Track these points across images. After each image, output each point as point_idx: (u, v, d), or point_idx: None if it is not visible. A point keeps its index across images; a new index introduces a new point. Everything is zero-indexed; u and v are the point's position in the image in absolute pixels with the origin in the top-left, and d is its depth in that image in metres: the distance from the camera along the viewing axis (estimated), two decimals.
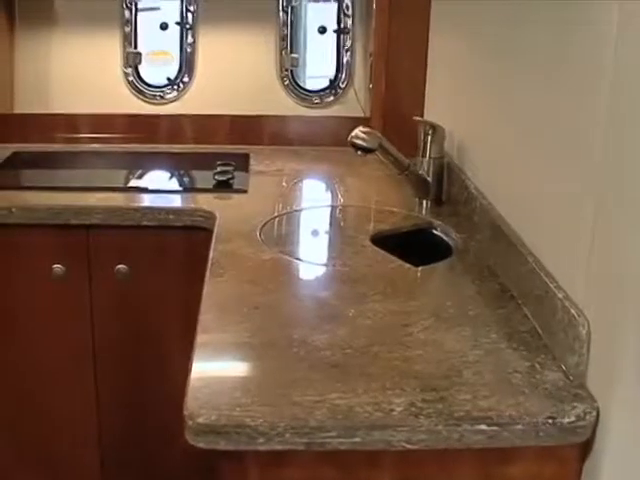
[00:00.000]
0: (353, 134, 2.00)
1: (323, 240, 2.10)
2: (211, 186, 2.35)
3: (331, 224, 2.23)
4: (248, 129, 2.82)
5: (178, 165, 2.68)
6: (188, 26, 2.81)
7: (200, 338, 1.40)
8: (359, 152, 2.00)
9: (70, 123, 2.80)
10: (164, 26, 2.84)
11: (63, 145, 2.77)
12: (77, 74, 2.81)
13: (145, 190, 2.40)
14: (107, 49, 2.81)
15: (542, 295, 1.44)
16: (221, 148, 2.76)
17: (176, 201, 2.31)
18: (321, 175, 2.62)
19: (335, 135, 2.73)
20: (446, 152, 2.20)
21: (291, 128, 2.84)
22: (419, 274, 1.76)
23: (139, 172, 2.64)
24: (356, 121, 2.71)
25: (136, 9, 2.80)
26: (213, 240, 1.89)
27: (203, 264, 1.77)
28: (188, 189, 2.46)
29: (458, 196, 2.10)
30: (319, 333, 1.43)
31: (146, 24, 2.83)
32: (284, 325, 1.48)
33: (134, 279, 2.21)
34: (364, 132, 2.00)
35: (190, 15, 2.80)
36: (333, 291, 1.67)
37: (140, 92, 2.85)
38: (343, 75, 2.87)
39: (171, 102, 2.86)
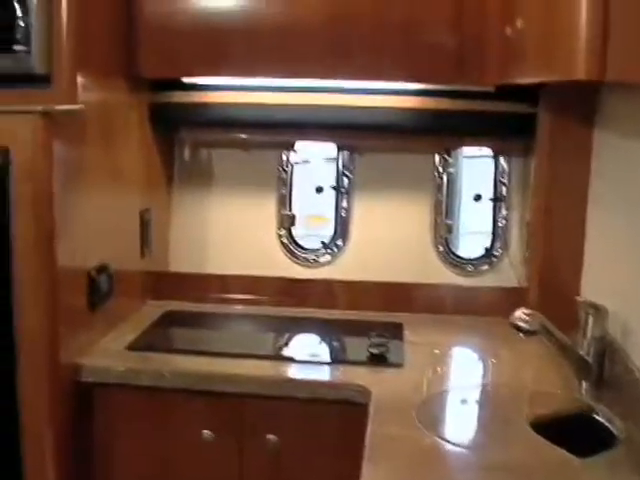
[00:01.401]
0: (515, 315, 1.95)
1: (480, 423, 1.99)
2: (365, 358, 2.29)
3: (488, 405, 2.11)
4: (401, 296, 2.76)
5: (329, 332, 2.63)
6: (343, 190, 2.82)
7: None
8: (521, 334, 1.94)
9: (223, 284, 2.81)
10: (320, 189, 2.86)
11: (215, 305, 2.77)
12: (232, 234, 2.84)
13: (297, 360, 2.35)
14: (263, 211, 2.83)
15: None
16: (374, 315, 2.69)
17: (328, 373, 2.26)
18: (476, 348, 2.52)
19: (489, 305, 2.66)
20: (608, 332, 2.09)
21: (445, 296, 2.77)
22: (583, 466, 1.63)
23: (289, 337, 2.61)
24: (511, 292, 2.65)
25: (292, 172, 2.83)
26: (369, 421, 1.82)
27: (356, 440, 1.71)
28: (340, 361, 2.40)
29: (621, 379, 1.96)
30: None
31: (302, 187, 2.86)
32: None
33: (284, 450, 2.15)
34: (526, 314, 1.95)
35: (346, 180, 2.81)
36: None
37: (293, 255, 2.85)
38: (498, 244, 2.80)
39: (324, 266, 2.84)
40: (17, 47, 2.01)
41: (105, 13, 2.29)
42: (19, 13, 2.00)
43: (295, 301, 2.78)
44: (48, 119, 1.96)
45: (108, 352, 2.28)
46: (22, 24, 2.01)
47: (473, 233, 2.98)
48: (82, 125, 2.15)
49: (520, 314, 1.94)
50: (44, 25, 2.02)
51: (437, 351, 2.40)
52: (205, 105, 2.58)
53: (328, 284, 2.81)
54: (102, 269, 2.28)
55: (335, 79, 2.45)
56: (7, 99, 1.99)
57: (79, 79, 2.09)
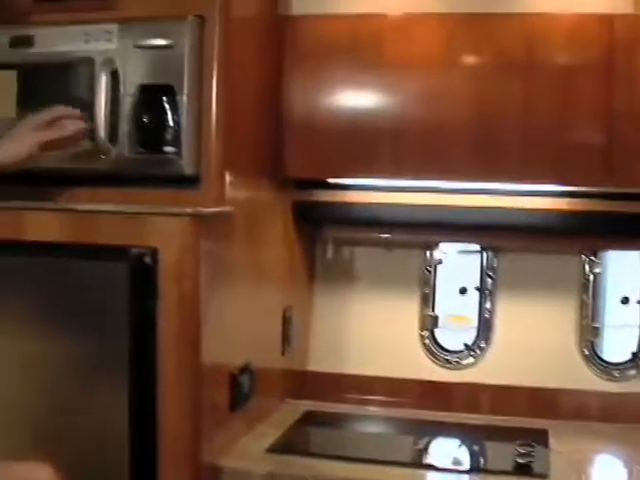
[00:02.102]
0: None
1: None
2: (509, 467, 2.20)
3: None
4: (546, 401, 2.66)
5: (471, 437, 2.54)
6: (487, 291, 2.77)
7: None
8: None
9: (362, 385, 2.77)
10: (463, 290, 2.81)
11: (354, 406, 2.73)
12: (372, 334, 2.81)
13: (438, 468, 2.29)
14: (404, 310, 2.80)
15: None
16: (517, 421, 2.60)
17: None
18: (625, 459, 2.39)
19: (638, 412, 2.55)
20: None
21: (591, 403, 2.65)
22: None
23: (430, 442, 2.54)
24: None
25: (435, 271, 2.80)
26: None
27: None
28: (483, 469, 2.32)
29: None
30: None
31: (445, 287, 2.82)
32: None
33: None
34: None
35: (489, 280, 2.76)
36: None
37: (435, 356, 2.79)
38: None
39: (466, 368, 2.78)
40: (167, 148, 2.08)
41: (253, 113, 2.34)
42: (169, 115, 2.07)
43: (436, 404, 2.72)
44: (197, 220, 2.00)
45: (248, 454, 2.26)
46: (172, 125, 2.07)
47: (620, 336, 2.87)
48: (229, 224, 2.18)
49: None
50: (193, 127, 2.08)
51: (583, 461, 2.29)
52: (349, 204, 2.59)
53: (470, 387, 2.74)
54: (245, 367, 2.28)
55: (481, 182, 2.44)
56: (156, 200, 2.05)
57: (227, 180, 2.13)
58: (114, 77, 2.09)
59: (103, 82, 2.07)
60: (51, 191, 2.16)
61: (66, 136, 2.04)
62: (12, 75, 2.23)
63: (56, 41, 2.18)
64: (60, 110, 2.06)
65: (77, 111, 2.07)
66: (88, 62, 2.13)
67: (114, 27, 2.12)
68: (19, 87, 2.22)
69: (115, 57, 2.10)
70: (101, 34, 2.13)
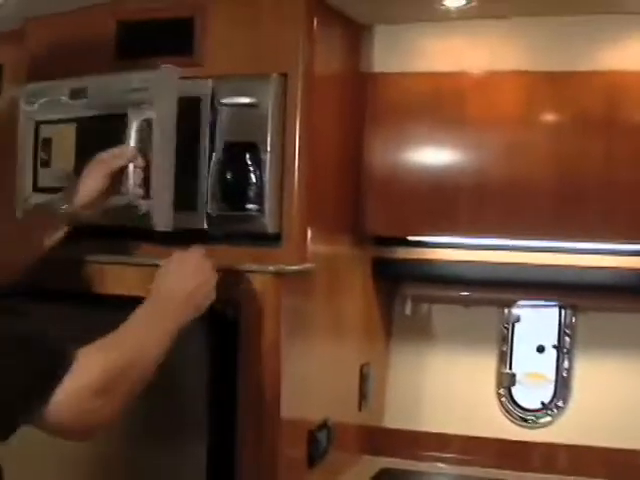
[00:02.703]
0: None
1: None
2: None
3: None
4: (626, 464, 2.60)
5: None
6: (565, 350, 2.73)
7: None
8: None
9: (438, 442, 2.74)
10: (541, 349, 2.77)
11: (430, 464, 2.71)
12: (449, 391, 2.78)
13: None
14: (481, 368, 2.77)
15: None
16: None
17: None
18: None
19: None
20: None
21: None
22: None
23: None
24: None
25: (513, 329, 2.77)
26: None
27: None
28: None
29: None
30: None
31: (523, 345, 2.79)
32: None
33: None
34: None
35: (567, 339, 2.72)
36: None
37: (512, 414, 2.75)
38: None
39: (543, 427, 2.73)
40: (250, 206, 2.10)
41: (334, 170, 2.36)
42: (252, 172, 2.10)
43: (512, 463, 2.67)
44: (278, 277, 2.01)
45: None
46: (255, 182, 2.10)
47: None
48: (310, 280, 2.19)
49: None
50: (276, 184, 2.10)
51: None
52: (428, 261, 2.58)
53: (548, 447, 2.68)
54: (323, 424, 2.28)
55: (561, 240, 2.41)
56: (238, 256, 2.07)
57: (309, 236, 2.15)
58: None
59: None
60: (135, 246, 2.19)
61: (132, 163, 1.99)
62: (72, 128, 2.26)
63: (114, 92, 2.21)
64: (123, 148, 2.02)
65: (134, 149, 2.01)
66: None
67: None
68: (78, 139, 2.26)
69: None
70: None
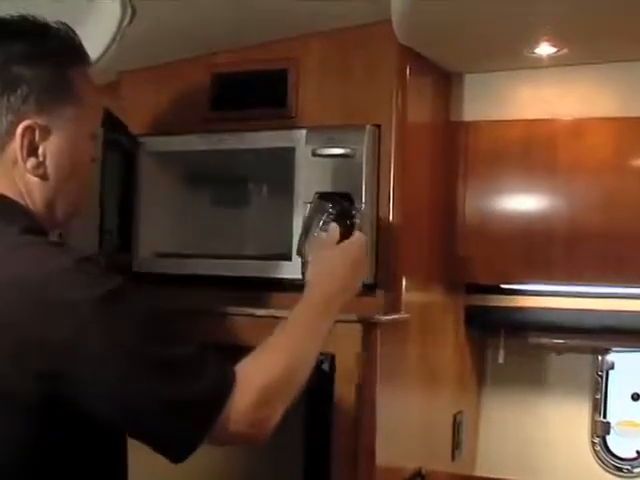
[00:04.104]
0: None
1: None
2: None
3: None
4: None
5: None
6: None
7: None
8: None
9: None
10: (635, 397, 2.73)
11: None
12: (542, 439, 2.75)
13: None
14: (575, 416, 2.74)
15: None
16: None
17: None
18: None
19: None
20: None
21: None
22: None
23: None
24: None
25: (607, 377, 2.73)
26: None
27: None
28: None
29: None
30: None
31: (617, 392, 2.74)
32: None
33: None
34: None
35: None
36: None
37: (606, 463, 2.70)
38: None
39: (639, 477, 2.68)
40: None
41: (427, 218, 2.38)
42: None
43: None
44: (374, 326, 2.02)
45: None
46: None
47: None
48: (404, 329, 2.20)
49: None
50: (370, 234, 2.10)
51: None
52: (520, 309, 2.55)
53: None
54: (416, 473, 2.27)
55: None
56: None
57: (403, 285, 2.16)
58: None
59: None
60: (237, 295, 2.21)
61: None
62: None
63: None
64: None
65: None
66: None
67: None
68: None
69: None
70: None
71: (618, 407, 2.74)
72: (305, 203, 2.11)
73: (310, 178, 2.14)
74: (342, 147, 2.11)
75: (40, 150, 1.47)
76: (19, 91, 1.45)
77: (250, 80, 2.33)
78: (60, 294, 1.31)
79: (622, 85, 2.36)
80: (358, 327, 2.02)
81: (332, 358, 2.01)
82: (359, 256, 1.81)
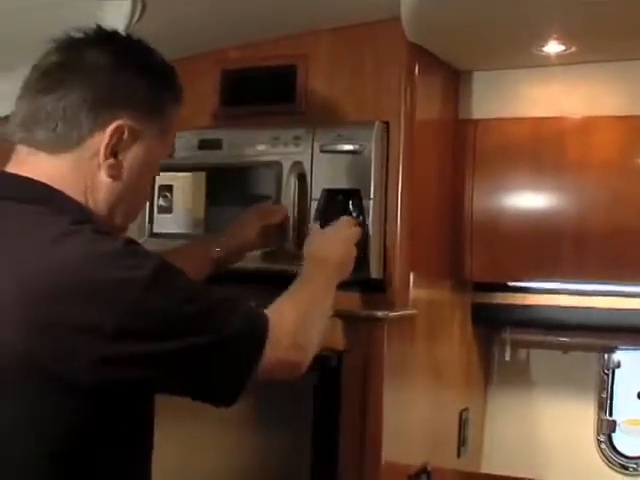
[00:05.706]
0: None
1: None
2: None
3: None
4: None
5: None
6: None
7: None
8: None
9: None
10: None
11: None
12: (547, 437, 2.75)
13: None
14: (581, 414, 2.73)
15: None
16: None
17: None
18: None
19: None
20: None
21: None
22: None
23: None
24: None
25: (613, 375, 2.73)
26: None
27: None
28: None
29: None
30: None
31: (623, 391, 2.74)
32: None
33: None
34: None
35: None
36: None
37: (612, 461, 2.70)
38: None
39: None
40: None
41: (435, 216, 2.38)
42: (355, 218, 2.10)
43: None
44: (382, 322, 2.03)
45: None
46: None
47: None
48: (411, 326, 2.20)
49: None
50: (379, 230, 2.12)
51: None
52: (527, 307, 2.55)
53: None
54: (422, 469, 2.27)
55: None
56: (341, 302, 2.05)
57: (411, 282, 2.16)
58: (301, 181, 2.16)
59: (292, 186, 2.14)
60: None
61: (282, 222, 2.14)
62: (201, 176, 2.34)
63: (244, 144, 2.28)
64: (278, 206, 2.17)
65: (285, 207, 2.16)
66: (276, 165, 2.21)
67: (302, 132, 2.19)
68: (207, 187, 2.33)
69: (303, 161, 2.18)
70: (289, 138, 2.22)
71: (624, 405, 2.74)
72: (313, 200, 2.13)
73: (319, 174, 2.15)
74: (351, 143, 2.12)
75: (121, 153, 1.49)
76: (123, 90, 1.48)
77: (259, 76, 2.35)
78: (113, 274, 1.35)
79: (630, 83, 2.36)
80: (367, 323, 2.03)
81: (339, 354, 2.02)
82: (348, 232, 1.98)
